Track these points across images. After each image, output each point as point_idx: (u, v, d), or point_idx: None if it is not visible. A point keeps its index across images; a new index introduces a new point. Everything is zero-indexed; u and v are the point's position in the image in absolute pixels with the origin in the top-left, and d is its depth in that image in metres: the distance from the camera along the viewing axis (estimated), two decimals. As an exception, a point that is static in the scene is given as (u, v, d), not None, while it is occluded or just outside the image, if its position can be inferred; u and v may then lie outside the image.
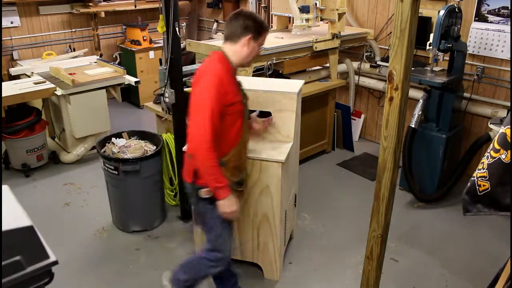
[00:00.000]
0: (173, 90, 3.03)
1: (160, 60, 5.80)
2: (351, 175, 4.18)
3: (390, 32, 4.21)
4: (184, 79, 3.24)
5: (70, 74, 4.30)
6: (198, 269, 2.34)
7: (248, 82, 2.91)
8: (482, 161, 1.72)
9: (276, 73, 3.92)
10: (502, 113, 3.64)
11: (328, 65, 4.31)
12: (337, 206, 3.69)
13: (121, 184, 3.15)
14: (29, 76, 4.65)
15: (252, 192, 2.62)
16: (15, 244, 1.42)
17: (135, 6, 5.90)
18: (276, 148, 2.60)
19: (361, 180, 4.07)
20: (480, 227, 3.39)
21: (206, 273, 2.37)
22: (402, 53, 1.73)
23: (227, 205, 2.11)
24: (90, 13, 5.68)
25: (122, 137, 3.39)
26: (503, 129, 1.65)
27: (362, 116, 4.93)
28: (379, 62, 4.43)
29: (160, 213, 3.43)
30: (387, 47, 4.48)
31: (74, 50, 5.62)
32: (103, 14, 5.67)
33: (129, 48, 5.85)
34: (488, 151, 1.70)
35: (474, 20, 3.74)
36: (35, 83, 4.22)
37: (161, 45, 3.26)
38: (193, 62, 4.39)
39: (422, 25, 3.84)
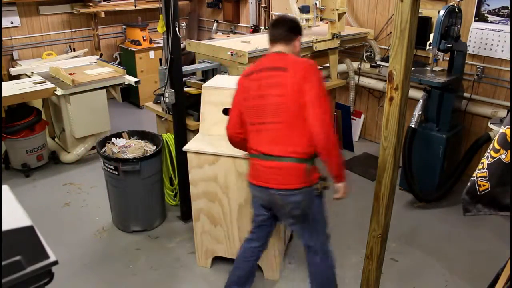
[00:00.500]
0: (173, 90, 3.03)
1: (160, 60, 5.81)
2: (351, 175, 4.18)
3: (390, 32, 4.21)
4: (184, 79, 3.24)
5: (70, 74, 4.30)
6: (332, 280, 2.36)
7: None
8: (482, 161, 1.72)
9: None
10: (502, 113, 3.64)
11: (328, 65, 4.31)
12: (337, 206, 3.69)
13: (121, 184, 3.15)
14: (29, 76, 4.65)
15: (252, 192, 2.62)
16: (15, 244, 1.42)
17: (135, 6, 5.90)
18: (276, 148, 2.60)
19: (361, 180, 4.07)
20: (480, 227, 3.39)
21: (334, 276, 2.37)
22: (402, 53, 1.73)
23: (346, 185, 2.21)
24: (90, 13, 5.68)
25: (122, 137, 3.39)
26: (503, 129, 1.65)
27: (362, 116, 4.93)
28: (379, 62, 4.43)
29: (160, 213, 3.43)
30: (387, 47, 4.48)
31: (74, 50, 5.62)
32: (103, 14, 5.67)
33: (129, 48, 5.85)
34: (488, 151, 1.69)
35: (474, 20, 3.74)
36: (35, 83, 4.22)
37: (161, 45, 3.26)
38: (193, 62, 4.38)
39: (422, 25, 3.83)
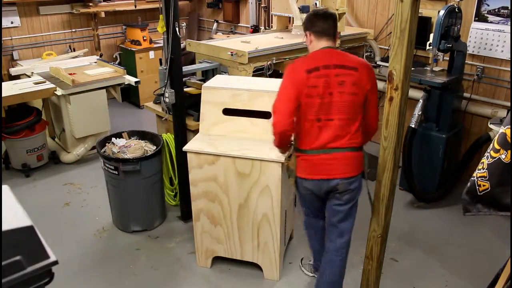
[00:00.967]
0: (173, 90, 3.03)
1: (160, 60, 5.80)
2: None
3: (390, 32, 4.21)
4: (184, 79, 3.24)
5: (70, 74, 4.30)
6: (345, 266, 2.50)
7: (248, 82, 2.91)
8: (482, 161, 1.72)
9: (276, 73, 3.92)
10: (502, 113, 3.64)
11: (328, 65, 4.30)
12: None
13: (121, 184, 3.16)
14: (29, 76, 4.65)
15: (252, 192, 2.62)
16: (15, 244, 1.42)
17: (135, 6, 5.90)
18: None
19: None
20: (480, 227, 3.39)
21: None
22: (402, 53, 1.73)
23: None
24: (90, 13, 5.68)
25: (122, 137, 3.39)
26: (503, 129, 1.65)
27: (362, 116, 4.91)
28: (379, 62, 4.43)
29: (160, 213, 3.43)
30: (387, 47, 4.48)
31: (74, 50, 5.62)
32: (103, 14, 5.67)
33: (129, 48, 5.85)
34: (488, 151, 1.70)
35: (474, 20, 3.74)
36: (35, 83, 4.22)
37: (161, 45, 3.26)
38: (193, 62, 4.38)
39: (422, 25, 3.83)
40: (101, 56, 5.58)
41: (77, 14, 5.68)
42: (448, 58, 3.59)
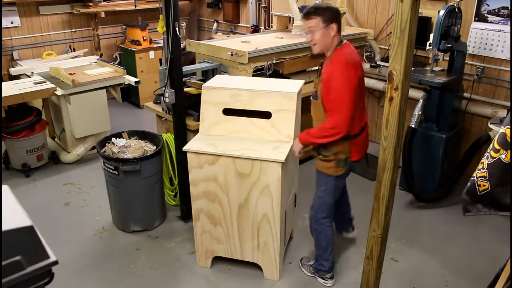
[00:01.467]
0: (173, 90, 3.03)
1: (160, 60, 5.81)
2: (351, 175, 4.16)
3: (390, 32, 4.21)
4: (184, 79, 3.24)
5: (70, 74, 4.30)
6: None
7: (248, 82, 2.91)
8: (482, 161, 1.72)
9: (276, 73, 3.92)
10: (502, 113, 3.64)
11: (328, 65, 4.30)
12: (337, 206, 3.69)
13: (121, 184, 3.16)
14: (29, 76, 4.65)
15: (252, 192, 2.62)
16: (15, 244, 1.42)
17: (135, 6, 5.90)
18: (276, 148, 2.60)
19: (361, 180, 4.07)
20: (480, 227, 3.39)
21: None
22: (402, 53, 1.73)
23: None
24: (90, 13, 5.68)
25: (122, 137, 3.39)
26: (503, 129, 1.65)
27: (362, 116, 4.92)
28: (379, 62, 4.43)
29: (160, 213, 3.43)
30: (387, 47, 4.48)
31: (74, 50, 5.62)
32: (103, 14, 5.67)
33: (129, 48, 5.85)
34: (488, 151, 1.69)
35: (474, 20, 3.74)
36: (35, 83, 4.22)
37: (161, 45, 3.26)
38: (193, 62, 4.38)
39: (422, 25, 3.84)
40: (101, 56, 5.58)
41: (77, 14, 5.69)
42: (448, 58, 3.60)
